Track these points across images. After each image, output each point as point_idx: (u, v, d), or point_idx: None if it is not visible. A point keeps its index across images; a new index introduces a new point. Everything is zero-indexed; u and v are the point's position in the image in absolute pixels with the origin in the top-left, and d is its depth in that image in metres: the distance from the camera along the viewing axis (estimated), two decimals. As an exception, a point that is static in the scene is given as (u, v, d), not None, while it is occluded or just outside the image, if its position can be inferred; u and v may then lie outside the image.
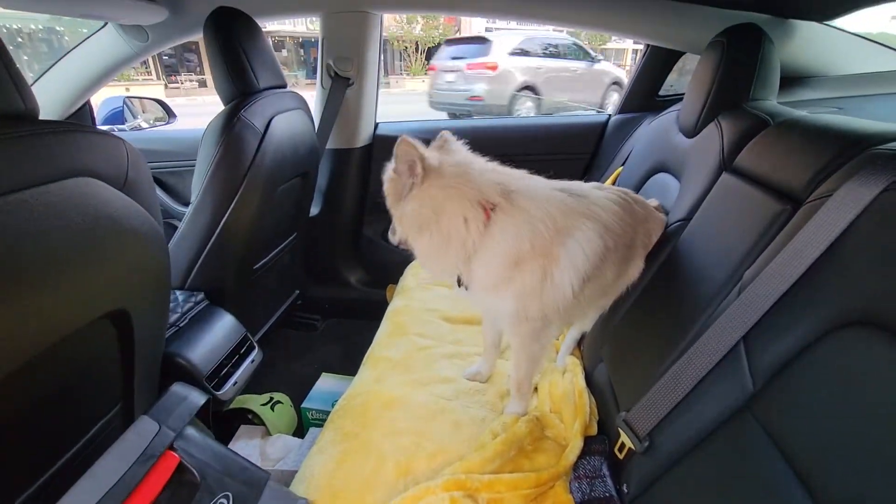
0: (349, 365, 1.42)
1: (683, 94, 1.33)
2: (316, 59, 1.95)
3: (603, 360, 1.11)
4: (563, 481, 0.91)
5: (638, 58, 2.01)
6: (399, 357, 1.25)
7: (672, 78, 1.98)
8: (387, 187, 0.99)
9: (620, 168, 1.68)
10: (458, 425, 1.01)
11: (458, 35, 19.44)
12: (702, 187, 1.06)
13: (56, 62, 1.78)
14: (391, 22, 16.81)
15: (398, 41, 17.35)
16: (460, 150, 1.01)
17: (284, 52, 16.85)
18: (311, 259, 2.09)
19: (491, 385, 1.17)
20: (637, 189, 1.45)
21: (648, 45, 1.88)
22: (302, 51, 16.87)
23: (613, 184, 1.67)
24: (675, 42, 1.70)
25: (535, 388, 1.15)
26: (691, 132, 1.22)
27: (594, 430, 1.02)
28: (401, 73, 18.05)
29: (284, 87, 1.56)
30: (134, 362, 0.86)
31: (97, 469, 0.64)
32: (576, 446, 0.94)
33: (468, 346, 1.35)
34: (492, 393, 1.14)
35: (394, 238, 1.01)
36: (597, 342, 1.18)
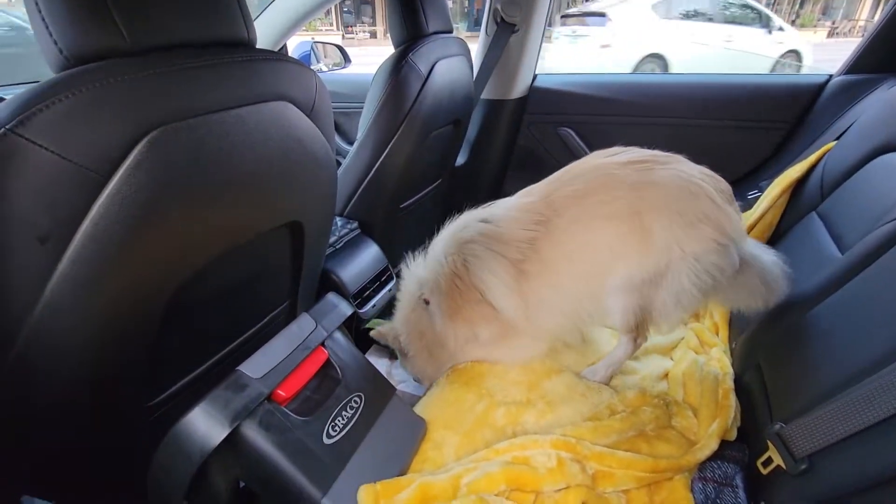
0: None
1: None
2: (479, 10, 1.93)
3: (760, 364, 0.96)
4: (685, 477, 0.84)
5: (887, 2, 1.55)
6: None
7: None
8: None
9: (832, 144, 1.36)
10: (573, 389, 0.99)
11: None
12: None
13: (265, 8, 2.08)
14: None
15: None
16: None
17: (450, 3, 17.09)
18: (451, 207, 2.18)
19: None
20: (850, 173, 1.17)
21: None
22: (466, 2, 16.87)
23: (816, 164, 1.37)
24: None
25: (667, 375, 1.06)
26: (959, 100, 0.92)
27: (733, 436, 0.91)
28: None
29: (451, 32, 1.59)
30: (302, 268, 1.02)
31: (269, 348, 0.79)
32: (708, 446, 0.85)
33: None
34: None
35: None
36: (756, 342, 1.02)
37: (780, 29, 5.93)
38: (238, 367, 0.72)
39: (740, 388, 1.00)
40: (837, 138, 1.36)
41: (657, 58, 5.56)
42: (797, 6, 19.02)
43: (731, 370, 1.03)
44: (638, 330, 0.97)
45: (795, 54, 5.78)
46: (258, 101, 0.74)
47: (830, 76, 1.64)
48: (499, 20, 1.83)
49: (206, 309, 0.84)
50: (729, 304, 1.14)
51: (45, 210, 0.53)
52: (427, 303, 1.05)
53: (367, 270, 1.44)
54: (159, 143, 0.59)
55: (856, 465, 0.64)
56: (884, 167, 1.08)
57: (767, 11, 6.03)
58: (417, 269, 1.09)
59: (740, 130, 1.72)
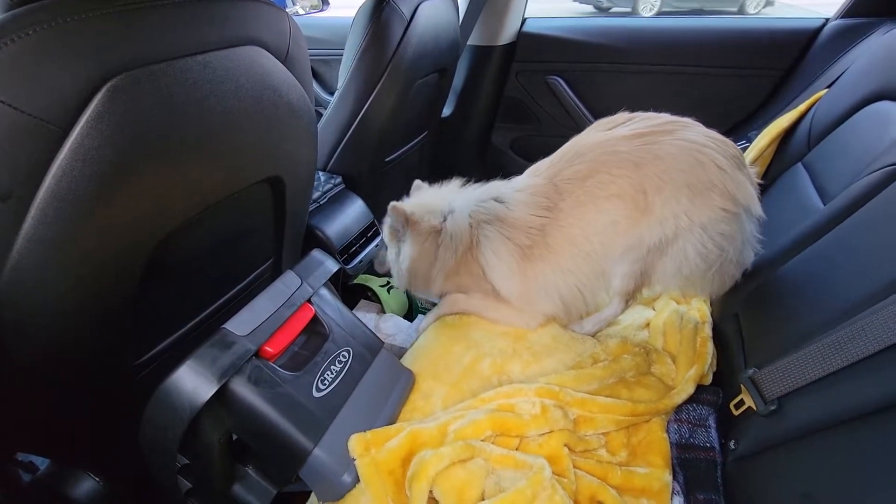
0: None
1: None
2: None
3: (738, 313, 0.99)
4: (661, 420, 0.88)
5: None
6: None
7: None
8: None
9: (823, 91, 1.34)
10: (557, 340, 1.01)
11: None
12: None
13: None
14: None
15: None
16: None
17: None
18: (437, 161, 2.13)
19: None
20: (839, 123, 1.15)
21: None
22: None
23: (805, 112, 1.35)
24: None
25: (648, 324, 1.09)
26: (956, 45, 0.90)
27: (708, 381, 0.95)
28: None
29: (434, -30, 1.48)
30: (285, 224, 1.00)
31: (254, 304, 0.79)
32: (684, 391, 0.89)
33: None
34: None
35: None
36: (735, 291, 1.05)
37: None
38: (223, 326, 0.71)
39: (718, 335, 1.03)
40: (829, 86, 1.34)
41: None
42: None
43: (709, 319, 1.07)
44: (633, 294, 0.99)
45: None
46: (227, 45, 0.69)
47: (827, 20, 1.59)
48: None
49: (188, 267, 0.82)
50: None
51: (2, 166, 0.50)
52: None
53: (353, 226, 1.42)
54: (121, 91, 0.55)
55: (821, 407, 0.68)
56: (873, 115, 1.07)
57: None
58: (446, 203, 1.06)
59: (733, 78, 1.68)
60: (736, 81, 1.68)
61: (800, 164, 1.24)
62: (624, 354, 0.97)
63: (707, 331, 1.02)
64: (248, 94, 0.72)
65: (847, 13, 1.55)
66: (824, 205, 1.01)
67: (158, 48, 0.60)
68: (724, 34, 1.70)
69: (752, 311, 0.96)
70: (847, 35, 1.48)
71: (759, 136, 1.41)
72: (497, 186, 1.05)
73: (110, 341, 0.71)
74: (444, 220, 1.04)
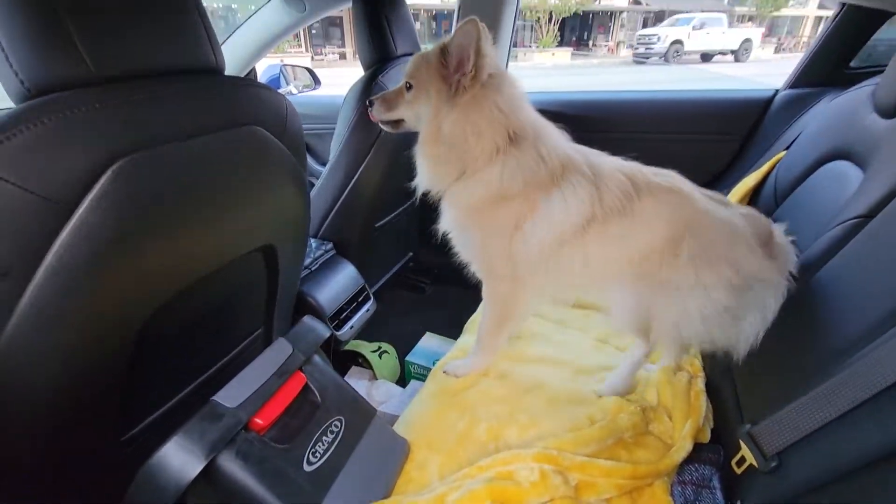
0: (452, 330, 1.48)
1: (884, 65, 1.08)
2: (446, 31, 1.97)
3: (730, 365, 1.00)
4: (664, 482, 0.86)
5: (827, 20, 1.67)
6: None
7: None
8: (425, 70, 0.90)
9: (782, 153, 1.45)
10: (555, 403, 1.00)
11: (596, 4, 18.12)
12: None
13: (233, 32, 2.08)
14: (528, -7, 16.25)
15: (531, 11, 16.72)
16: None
17: (418, 25, 17.40)
18: (425, 224, 2.19)
19: (593, 374, 1.13)
20: (801, 181, 1.24)
21: (843, 4, 1.55)
22: (434, 23, 17.24)
23: (769, 173, 1.45)
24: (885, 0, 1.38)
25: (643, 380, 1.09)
26: (893, 110, 1.00)
27: (706, 437, 0.94)
28: (529, 46, 17.45)
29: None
30: (276, 292, 1.01)
31: (244, 375, 0.78)
32: (683, 448, 0.88)
33: (572, 327, 1.32)
34: (594, 381, 1.10)
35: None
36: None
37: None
38: (213, 397, 0.70)
39: (712, 390, 1.03)
40: (787, 148, 1.45)
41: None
42: (747, 21, 20.28)
43: (701, 373, 1.07)
44: (642, 331, 0.99)
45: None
46: (228, 126, 0.74)
47: (777, 91, 1.75)
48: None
49: (179, 338, 0.82)
50: None
51: (6, 242, 0.51)
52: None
53: (344, 291, 1.43)
54: (126, 172, 0.58)
55: (824, 459, 0.67)
56: (829, 174, 1.16)
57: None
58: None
59: (699, 143, 1.81)
60: (703, 145, 1.81)
61: (771, 219, 1.31)
62: (620, 413, 0.95)
63: (700, 385, 1.02)
64: (247, 170, 0.77)
65: (794, 84, 1.72)
66: (797, 258, 1.05)
67: (162, 132, 0.64)
68: (688, 105, 1.86)
69: (743, 364, 0.97)
70: (797, 103, 1.63)
71: (731, 194, 1.50)
72: (598, 154, 0.98)
73: (97, 419, 0.69)
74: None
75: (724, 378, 1.02)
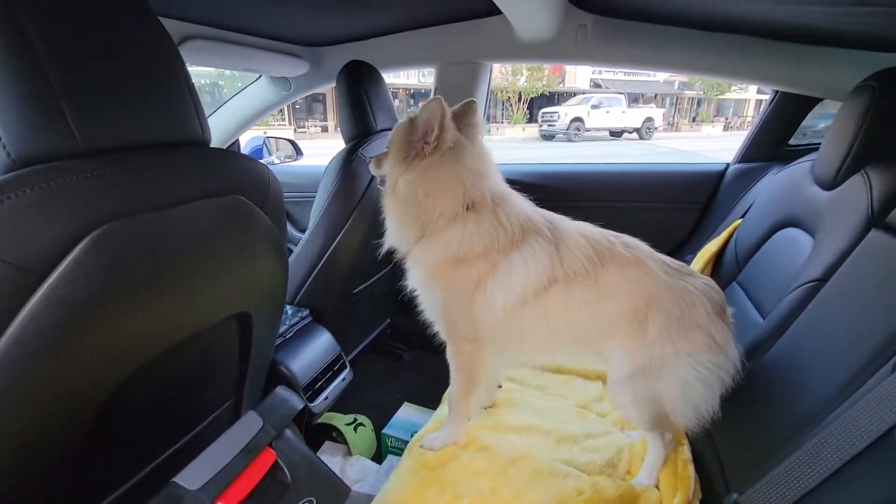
0: (430, 398, 1.44)
1: (818, 143, 1.21)
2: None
3: (711, 431, 0.99)
4: (657, 560, 0.81)
5: (765, 104, 1.88)
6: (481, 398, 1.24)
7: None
8: (395, 136, 0.98)
9: (738, 221, 1.55)
10: (538, 475, 0.96)
11: (561, 86, 19.85)
12: (844, 244, 0.94)
13: (220, 106, 2.17)
14: (497, 74, 17.70)
15: (502, 92, 18.11)
16: (479, 127, 1.01)
17: (397, 102, 18.52)
18: (404, 291, 2.19)
19: (577, 442, 1.10)
20: (758, 247, 1.33)
21: (777, 92, 1.75)
22: (412, 101, 18.37)
23: (729, 239, 1.54)
24: (812, 88, 1.57)
25: (629, 448, 1.06)
26: (830, 184, 1.10)
27: (697, 510, 0.91)
28: (502, 122, 18.72)
29: (398, 129, 1.72)
30: (249, 361, 0.97)
31: (209, 453, 0.73)
32: (674, 523, 0.84)
33: (553, 394, 1.30)
34: (577, 449, 1.07)
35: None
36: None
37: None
38: (174, 479, 0.65)
39: (696, 456, 1.01)
40: (743, 216, 1.55)
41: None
42: (696, 105, 22.39)
43: (685, 440, 1.05)
44: (660, 425, 0.98)
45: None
46: (210, 195, 0.75)
47: (728, 165, 1.91)
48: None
49: (143, 413, 0.77)
50: None
51: None
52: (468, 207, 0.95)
53: (319, 360, 1.38)
54: (103, 240, 0.57)
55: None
56: (783, 240, 1.24)
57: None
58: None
59: (663, 210, 1.92)
60: (667, 213, 1.93)
61: (735, 283, 1.37)
62: (608, 485, 0.92)
63: (686, 453, 1.01)
64: (228, 238, 0.77)
65: (742, 159, 1.88)
66: (763, 318, 1.10)
67: (145, 201, 0.64)
68: (651, 176, 2.00)
69: (723, 429, 0.97)
70: (746, 175, 1.78)
71: (696, 259, 1.57)
72: (559, 217, 1.03)
73: (49, 499, 0.62)
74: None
75: (705, 443, 1.01)
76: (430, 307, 1.04)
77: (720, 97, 21.57)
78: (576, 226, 1.01)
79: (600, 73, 19.30)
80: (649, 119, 15.90)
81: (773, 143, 1.84)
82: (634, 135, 15.69)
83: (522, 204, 1.01)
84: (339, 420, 1.50)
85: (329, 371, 1.42)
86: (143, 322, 0.66)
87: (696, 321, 0.93)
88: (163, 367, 0.76)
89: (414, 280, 1.04)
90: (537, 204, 1.05)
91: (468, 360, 1.04)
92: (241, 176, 0.83)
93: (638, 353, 0.94)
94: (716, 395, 0.92)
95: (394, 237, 1.05)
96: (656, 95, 21.43)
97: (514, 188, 1.04)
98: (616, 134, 15.69)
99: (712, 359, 0.92)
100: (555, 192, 2.00)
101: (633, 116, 15.81)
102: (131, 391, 0.69)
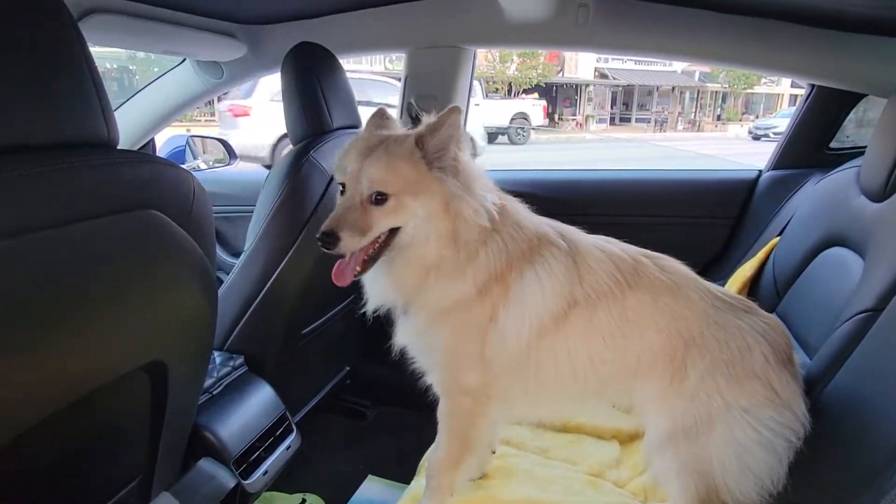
0: (401, 468, 1.42)
1: (864, 147, 1.28)
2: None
3: None
4: None
5: (799, 101, 1.98)
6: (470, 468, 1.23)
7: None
8: (400, 165, 0.95)
9: (776, 239, 1.61)
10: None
11: (559, 76, 20.46)
12: None
13: (132, 96, 2.15)
14: (482, 60, 18.15)
15: (489, 82, 18.57)
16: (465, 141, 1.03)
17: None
18: (368, 330, 2.17)
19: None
20: (800, 270, 1.38)
21: (813, 86, 1.85)
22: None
23: (765, 261, 1.60)
24: (853, 81, 1.66)
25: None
26: (879, 194, 1.16)
27: None
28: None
29: (358, 126, 1.73)
30: (163, 425, 0.94)
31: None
32: None
33: (558, 458, 1.30)
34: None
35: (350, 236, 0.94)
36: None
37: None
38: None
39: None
40: (780, 233, 1.61)
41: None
42: (720, 100, 23.44)
43: None
44: (709, 502, 0.96)
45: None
46: (117, 210, 0.74)
47: (760, 172, 1.99)
48: (413, 115, 2.05)
49: (23, 493, 0.73)
50: None
51: None
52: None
53: (256, 423, 1.35)
54: None
55: None
56: (829, 262, 1.29)
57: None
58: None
59: (689, 226, 1.98)
60: (693, 229, 1.98)
61: (774, 314, 1.41)
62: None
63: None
64: (139, 264, 0.76)
65: (777, 166, 1.97)
66: (810, 359, 1.13)
67: (38, 217, 0.63)
68: (673, 184, 2.06)
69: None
70: (782, 184, 1.86)
71: (728, 284, 1.62)
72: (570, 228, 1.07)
73: None
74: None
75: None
76: (430, 354, 1.06)
77: (748, 91, 22.64)
78: (593, 239, 1.04)
79: (607, 61, 20.01)
80: (522, 116, 13.95)
81: (811, 146, 1.93)
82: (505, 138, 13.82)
83: (526, 212, 1.05)
84: (283, 501, 1.46)
85: (269, 437, 1.38)
86: (28, 373, 0.64)
87: (753, 369, 0.95)
88: (51, 434, 0.73)
89: (409, 330, 1.05)
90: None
91: (467, 418, 1.05)
92: (156, 185, 0.82)
93: (677, 404, 0.95)
94: (782, 463, 0.93)
95: (394, 291, 1.03)
96: (673, 88, 22.37)
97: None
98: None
99: (775, 416, 0.93)
100: (554, 204, 2.03)
101: (500, 112, 13.72)
102: (8, 464, 0.66)
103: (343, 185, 0.98)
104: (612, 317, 0.96)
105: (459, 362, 1.02)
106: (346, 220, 0.93)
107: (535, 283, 0.97)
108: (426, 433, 1.34)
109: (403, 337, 1.06)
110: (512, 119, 13.92)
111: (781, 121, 16.38)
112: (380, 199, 0.93)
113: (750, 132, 17.55)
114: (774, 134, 15.54)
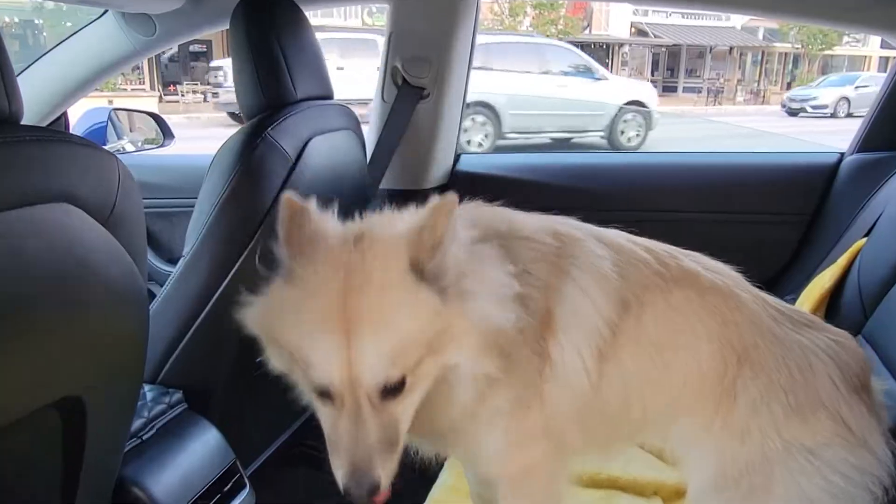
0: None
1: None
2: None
3: None
4: None
5: (891, 65, 1.99)
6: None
7: None
8: (401, 343, 0.82)
9: (862, 241, 1.61)
10: None
11: (586, 33, 20.44)
12: None
13: (39, 58, 2.15)
14: (487, 14, 18.19)
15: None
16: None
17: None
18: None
19: None
20: (889, 284, 1.38)
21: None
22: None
23: (848, 269, 1.60)
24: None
25: None
26: None
27: None
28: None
29: (330, 98, 1.74)
30: (79, 479, 0.94)
31: None
32: None
33: None
34: None
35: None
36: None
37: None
38: None
39: None
40: (867, 233, 1.62)
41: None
42: (791, 65, 23.53)
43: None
44: None
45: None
46: (19, 204, 0.74)
47: (842, 155, 2.00)
48: (400, 82, 2.05)
49: None
50: None
51: None
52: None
53: (198, 476, 1.35)
54: None
55: None
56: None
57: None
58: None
59: (751, 226, 1.99)
60: (756, 230, 1.99)
61: (860, 336, 1.42)
62: None
63: None
64: (49, 273, 0.75)
65: (862, 148, 1.98)
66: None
67: None
68: (731, 172, 2.06)
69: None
70: (868, 171, 1.87)
71: (800, 301, 1.62)
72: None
73: None
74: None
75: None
76: (484, 428, 0.99)
77: (826, 53, 22.72)
78: (612, 233, 1.05)
79: (646, 14, 20.01)
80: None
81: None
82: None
83: (518, 213, 1.07)
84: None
85: (216, 493, 1.38)
86: None
87: (819, 397, 0.95)
88: None
89: (440, 418, 0.97)
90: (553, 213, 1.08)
91: (551, 474, 1.03)
92: (69, 172, 0.83)
93: (724, 444, 0.95)
94: None
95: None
96: (731, 49, 22.44)
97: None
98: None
99: (849, 459, 0.93)
100: (558, 195, 2.02)
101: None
102: None
103: (320, 390, 0.87)
104: (659, 321, 0.97)
105: (521, 409, 0.97)
106: (369, 446, 0.81)
107: (579, 296, 0.96)
108: (408, 486, 1.35)
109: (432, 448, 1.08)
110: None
111: (823, 91, 16.52)
112: (397, 387, 0.83)
113: (783, 105, 17.85)
114: (812, 108, 15.78)
